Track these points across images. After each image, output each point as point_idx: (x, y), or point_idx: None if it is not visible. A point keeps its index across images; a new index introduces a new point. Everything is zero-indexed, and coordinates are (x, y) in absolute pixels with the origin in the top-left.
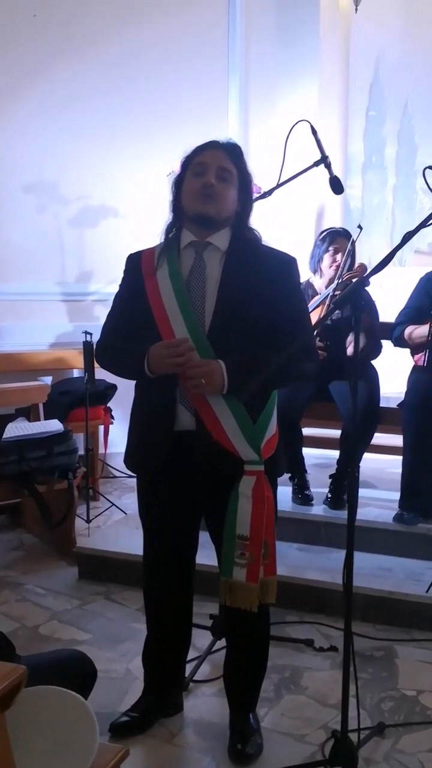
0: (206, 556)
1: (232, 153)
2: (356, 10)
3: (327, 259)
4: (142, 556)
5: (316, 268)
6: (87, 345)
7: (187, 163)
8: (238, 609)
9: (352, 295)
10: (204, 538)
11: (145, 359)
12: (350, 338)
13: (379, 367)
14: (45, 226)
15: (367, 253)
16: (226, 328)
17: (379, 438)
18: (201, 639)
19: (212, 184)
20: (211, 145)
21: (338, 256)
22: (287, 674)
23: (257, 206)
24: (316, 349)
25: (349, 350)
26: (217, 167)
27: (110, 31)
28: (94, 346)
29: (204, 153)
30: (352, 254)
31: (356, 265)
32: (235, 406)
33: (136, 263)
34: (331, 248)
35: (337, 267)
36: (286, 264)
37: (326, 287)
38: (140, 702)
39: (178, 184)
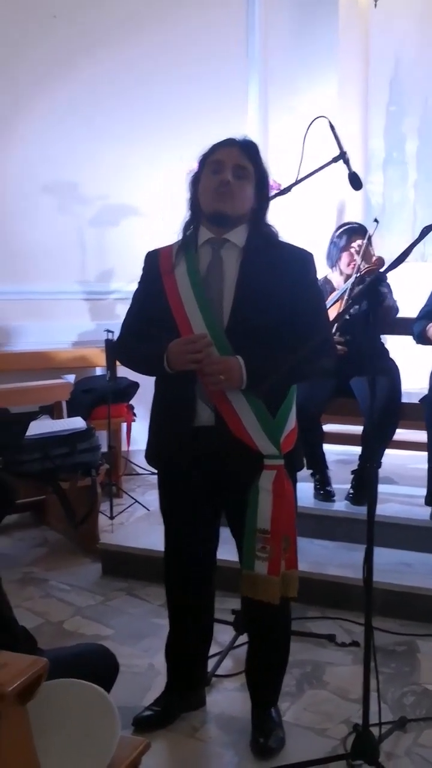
0: (228, 551)
1: (248, 150)
2: (375, 5)
3: (345, 257)
4: (164, 551)
5: (334, 265)
6: (109, 343)
7: (204, 160)
8: (260, 604)
9: (370, 290)
10: (225, 533)
11: (164, 355)
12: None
13: (400, 362)
14: (66, 225)
15: (389, 249)
16: (245, 324)
17: (401, 434)
18: (223, 634)
19: (229, 181)
20: (227, 143)
21: (357, 255)
22: (309, 669)
23: (277, 203)
24: (334, 344)
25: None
26: (233, 165)
27: (129, 31)
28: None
29: (220, 150)
30: (368, 248)
31: (374, 258)
32: (254, 401)
33: (154, 261)
34: (348, 247)
35: (356, 265)
36: (303, 259)
37: (344, 283)
38: (163, 697)
39: (195, 181)
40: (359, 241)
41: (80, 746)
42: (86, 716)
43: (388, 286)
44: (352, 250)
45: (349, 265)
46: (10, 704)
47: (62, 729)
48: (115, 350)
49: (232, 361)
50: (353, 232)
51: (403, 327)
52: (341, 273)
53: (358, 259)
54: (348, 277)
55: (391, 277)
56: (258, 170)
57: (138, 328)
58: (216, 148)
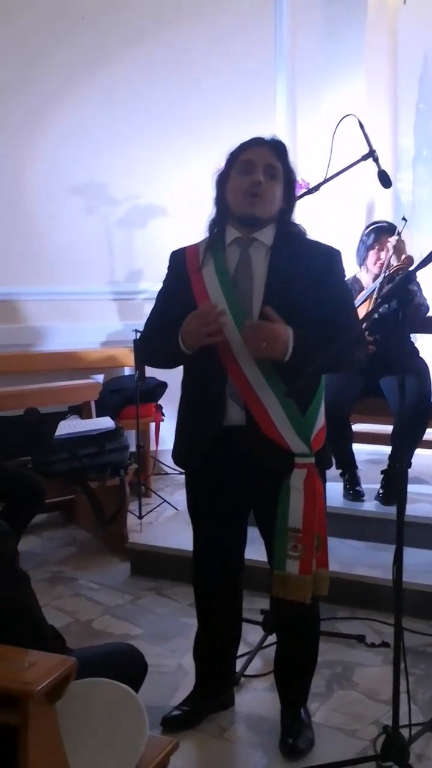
0: (256, 551)
1: (277, 149)
2: (404, 2)
3: (372, 256)
4: (192, 552)
5: (362, 263)
6: (137, 343)
7: (232, 160)
8: (289, 604)
9: (399, 289)
10: (253, 533)
11: (179, 336)
12: None
13: (430, 361)
14: (94, 227)
15: (418, 248)
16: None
17: None
18: (252, 634)
19: (260, 182)
20: (257, 142)
21: (382, 254)
22: (339, 670)
23: (306, 201)
24: (365, 338)
25: None
26: (265, 165)
27: (157, 31)
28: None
29: (250, 150)
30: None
31: (403, 256)
32: (285, 400)
33: (180, 260)
34: (376, 245)
35: (382, 264)
36: (330, 256)
37: (373, 282)
38: (191, 697)
39: (222, 180)
40: (394, 238)
41: (108, 746)
42: (114, 716)
43: (418, 285)
44: (388, 245)
45: (376, 263)
46: (38, 703)
47: (90, 728)
48: (139, 349)
49: (281, 329)
50: (382, 230)
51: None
52: (368, 271)
53: (384, 256)
54: (376, 276)
55: (421, 276)
56: (286, 170)
57: (162, 326)
58: (245, 147)
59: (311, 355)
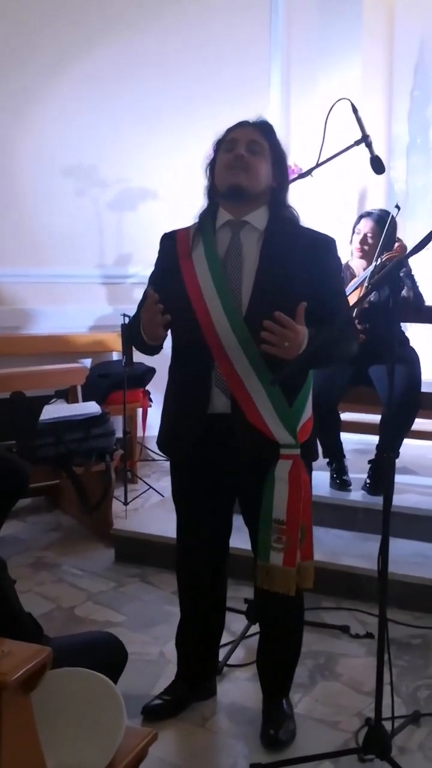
0: (241, 539)
1: (262, 129)
2: None
3: (355, 242)
4: (176, 539)
5: (353, 251)
6: (124, 328)
7: (219, 144)
8: (272, 594)
9: (389, 278)
10: (238, 521)
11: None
12: None
13: (421, 350)
14: (84, 209)
15: (412, 236)
16: (264, 310)
17: (421, 423)
18: (236, 623)
19: (242, 155)
20: (241, 124)
21: (359, 238)
22: (322, 660)
23: (299, 187)
24: (357, 329)
25: None
26: (247, 141)
27: (150, 12)
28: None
29: (234, 131)
30: (391, 234)
31: (396, 245)
32: (271, 389)
33: (170, 244)
34: (356, 230)
35: (361, 251)
36: (324, 244)
37: (364, 269)
38: (173, 686)
39: (212, 167)
40: (371, 227)
41: (85, 736)
42: (92, 706)
43: (412, 276)
44: (356, 232)
45: (358, 250)
46: (13, 694)
47: (67, 719)
48: (124, 334)
49: (302, 331)
50: (362, 216)
51: (427, 316)
52: (353, 256)
53: (358, 240)
54: (368, 264)
55: (417, 266)
56: (274, 148)
57: None
58: (230, 130)
59: (317, 353)
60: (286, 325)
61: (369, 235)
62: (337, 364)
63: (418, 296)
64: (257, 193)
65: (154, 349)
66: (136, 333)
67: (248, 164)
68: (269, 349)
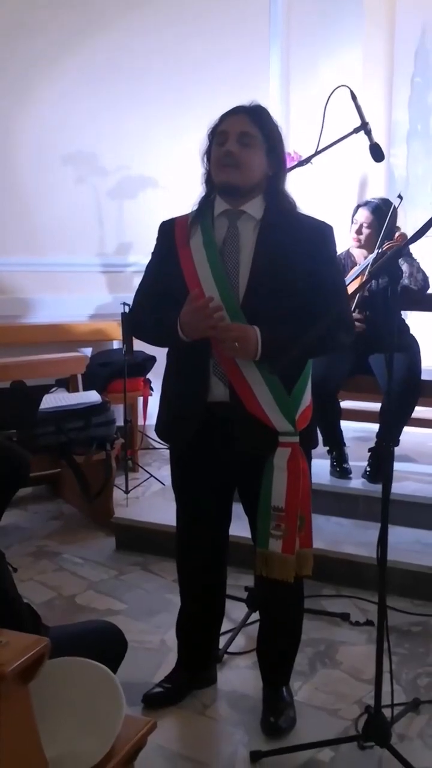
0: (241, 527)
1: (254, 115)
2: None
3: (351, 231)
4: (175, 527)
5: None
6: (125, 316)
7: (213, 133)
8: (272, 582)
9: (388, 266)
10: (238, 509)
11: (177, 326)
12: None
13: (422, 338)
14: (84, 197)
15: (412, 224)
16: (261, 298)
17: (421, 411)
18: (236, 611)
19: (232, 151)
20: (233, 111)
21: (355, 227)
22: (322, 648)
23: (298, 174)
24: (352, 320)
25: None
26: (237, 133)
27: None
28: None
29: (225, 121)
30: (392, 224)
31: (397, 234)
32: (270, 377)
33: (169, 232)
34: (353, 220)
35: (357, 240)
36: (322, 232)
37: (365, 258)
38: (173, 673)
39: (208, 155)
40: (366, 216)
41: (84, 726)
42: (90, 695)
43: (416, 262)
44: (354, 222)
45: (355, 240)
46: (10, 684)
47: (66, 708)
48: (128, 323)
49: (248, 330)
50: (359, 205)
51: (427, 304)
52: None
53: (355, 229)
54: (369, 252)
55: (419, 252)
56: (267, 135)
57: (151, 300)
58: (222, 117)
59: (286, 349)
60: (226, 328)
61: (365, 224)
62: (334, 352)
63: (425, 279)
64: (251, 186)
65: (177, 345)
66: (158, 321)
67: (239, 161)
68: (227, 352)
